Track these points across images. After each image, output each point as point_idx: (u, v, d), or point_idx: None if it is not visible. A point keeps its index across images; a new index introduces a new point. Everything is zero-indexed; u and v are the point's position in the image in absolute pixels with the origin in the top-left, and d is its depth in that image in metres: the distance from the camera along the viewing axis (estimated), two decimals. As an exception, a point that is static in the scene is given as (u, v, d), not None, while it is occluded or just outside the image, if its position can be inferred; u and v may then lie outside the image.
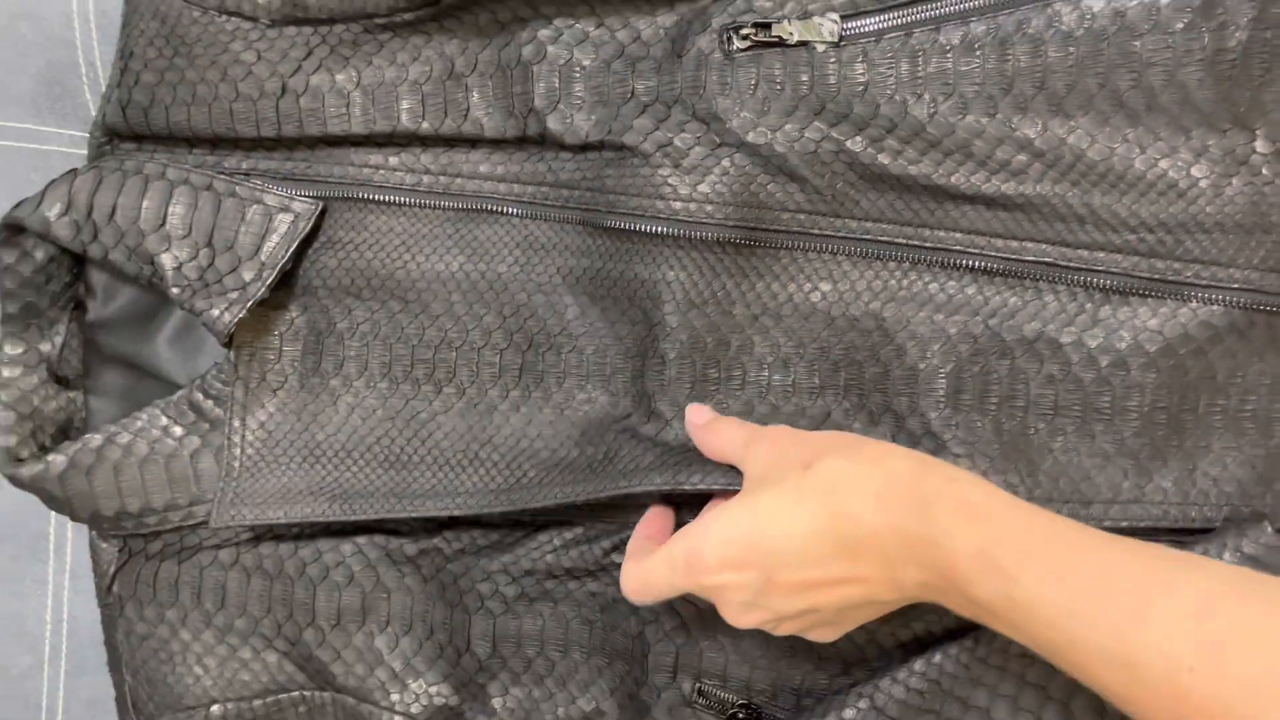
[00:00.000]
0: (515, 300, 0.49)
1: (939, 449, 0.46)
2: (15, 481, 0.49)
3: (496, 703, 0.50)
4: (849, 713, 0.44)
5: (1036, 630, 0.36)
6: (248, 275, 0.47)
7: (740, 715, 0.48)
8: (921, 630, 0.46)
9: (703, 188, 0.45)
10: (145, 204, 0.47)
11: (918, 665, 0.44)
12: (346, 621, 0.50)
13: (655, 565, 0.42)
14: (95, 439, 0.49)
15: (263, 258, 0.47)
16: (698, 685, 0.48)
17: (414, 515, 0.48)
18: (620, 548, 0.49)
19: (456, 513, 0.47)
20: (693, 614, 0.48)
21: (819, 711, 0.45)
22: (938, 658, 0.44)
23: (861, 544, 0.39)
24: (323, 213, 0.49)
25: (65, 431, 0.51)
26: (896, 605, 0.41)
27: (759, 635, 0.48)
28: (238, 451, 0.49)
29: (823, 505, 0.39)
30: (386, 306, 0.49)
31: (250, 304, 0.47)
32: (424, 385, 0.49)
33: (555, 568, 0.49)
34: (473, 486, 0.48)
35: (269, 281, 0.47)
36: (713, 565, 0.40)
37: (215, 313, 0.47)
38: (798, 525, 0.39)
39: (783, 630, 0.42)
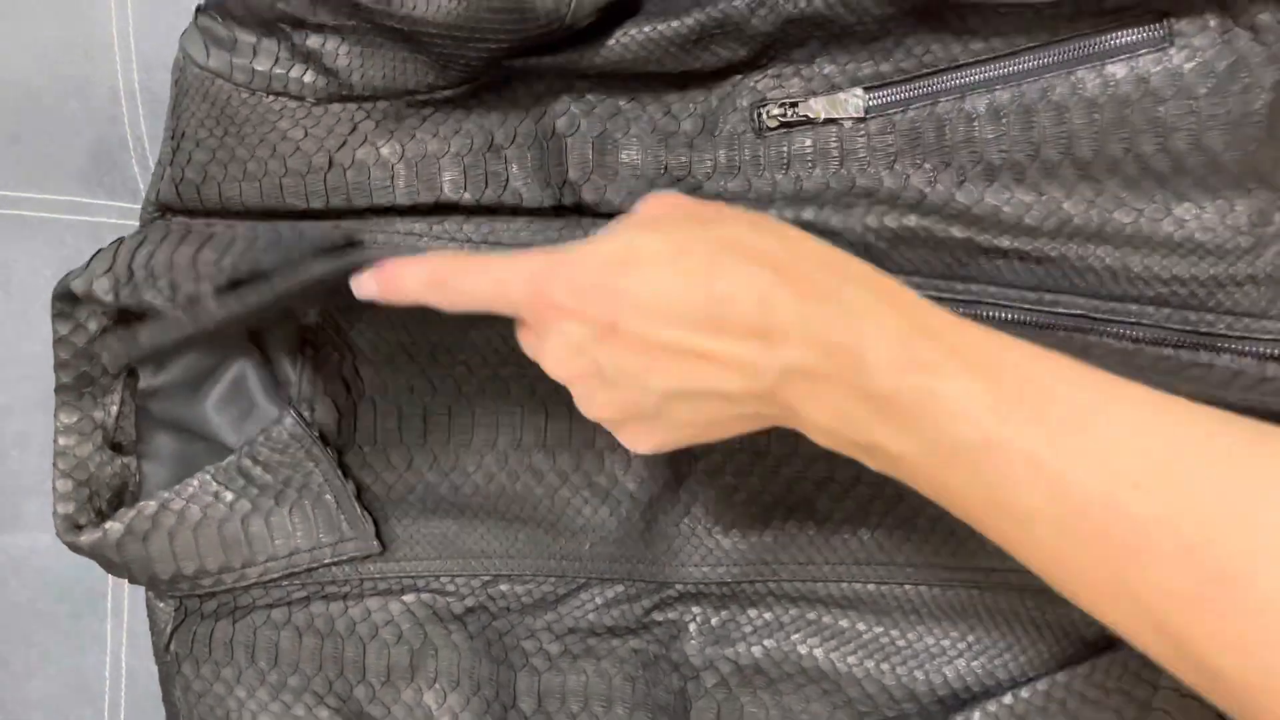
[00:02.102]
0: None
1: None
2: (75, 549, 0.50)
3: None
4: None
5: (950, 430, 0.30)
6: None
7: None
8: (958, 683, 0.47)
9: None
10: (181, 248, 0.48)
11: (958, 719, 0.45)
12: (396, 678, 0.51)
13: (496, 264, 0.36)
14: (150, 506, 0.50)
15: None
16: None
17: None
18: (661, 606, 0.50)
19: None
20: (732, 669, 0.49)
21: None
22: (976, 714, 0.45)
23: (735, 316, 0.33)
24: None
25: (120, 496, 0.53)
26: (736, 413, 0.35)
27: (802, 691, 0.49)
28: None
29: (707, 262, 0.33)
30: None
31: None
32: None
33: (597, 625, 0.51)
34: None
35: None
36: (557, 289, 0.34)
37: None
38: (669, 276, 0.33)
39: (594, 407, 0.36)
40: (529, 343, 0.38)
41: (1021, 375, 0.31)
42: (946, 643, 0.48)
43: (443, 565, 0.52)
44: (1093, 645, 0.47)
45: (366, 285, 0.41)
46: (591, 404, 0.36)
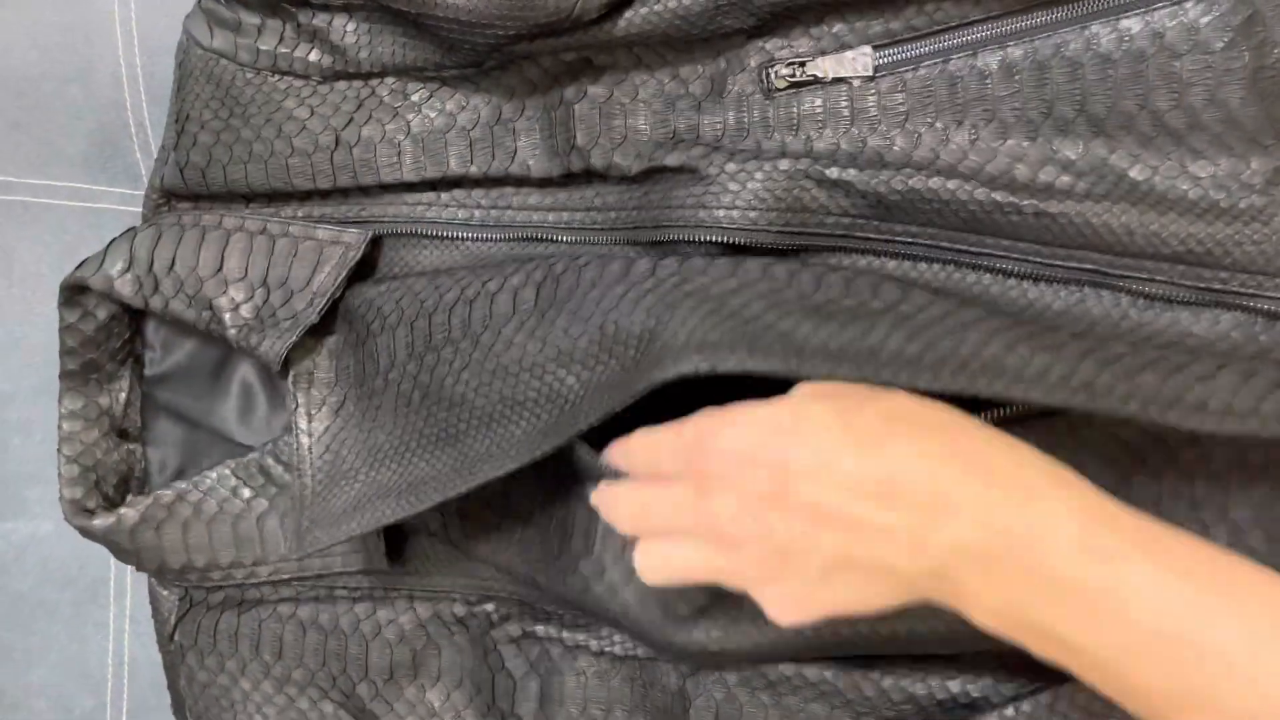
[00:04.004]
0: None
1: None
2: (86, 533, 0.50)
3: None
4: None
5: (1143, 622, 0.30)
6: (299, 305, 0.48)
7: None
8: (959, 691, 0.46)
9: (745, 195, 0.45)
10: (203, 253, 0.48)
11: None
12: (399, 676, 0.51)
13: (661, 433, 0.36)
14: (167, 495, 0.50)
15: (314, 287, 0.48)
16: None
17: (476, 485, 0.44)
18: None
19: (513, 468, 0.44)
20: (732, 669, 0.49)
21: None
22: None
23: (905, 487, 0.32)
24: (374, 241, 0.50)
25: (126, 482, 0.52)
26: (895, 586, 0.34)
27: (800, 692, 0.48)
28: (308, 480, 0.48)
29: (878, 432, 0.33)
30: (410, 288, 0.48)
31: (301, 330, 0.48)
32: (442, 349, 0.47)
33: (595, 633, 0.50)
34: (522, 434, 0.45)
35: (320, 308, 0.48)
36: (724, 448, 0.34)
37: (268, 344, 0.48)
38: (840, 444, 0.33)
39: (748, 573, 0.35)
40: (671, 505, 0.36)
41: (1212, 568, 0.30)
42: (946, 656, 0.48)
43: (453, 582, 0.51)
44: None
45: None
46: (744, 567, 0.35)
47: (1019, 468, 0.32)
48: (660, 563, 0.37)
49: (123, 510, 0.50)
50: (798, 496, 0.33)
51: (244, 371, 0.54)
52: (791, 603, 0.35)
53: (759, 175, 0.45)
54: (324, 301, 0.48)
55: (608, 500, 0.38)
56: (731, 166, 0.45)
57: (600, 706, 0.50)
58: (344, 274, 0.48)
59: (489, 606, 0.51)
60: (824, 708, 0.48)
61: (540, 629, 0.51)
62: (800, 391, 0.36)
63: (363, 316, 0.49)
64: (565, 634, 0.51)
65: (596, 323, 0.43)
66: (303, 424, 0.49)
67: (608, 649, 0.50)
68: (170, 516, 0.49)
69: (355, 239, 0.49)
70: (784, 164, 0.45)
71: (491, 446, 0.45)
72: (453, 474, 0.45)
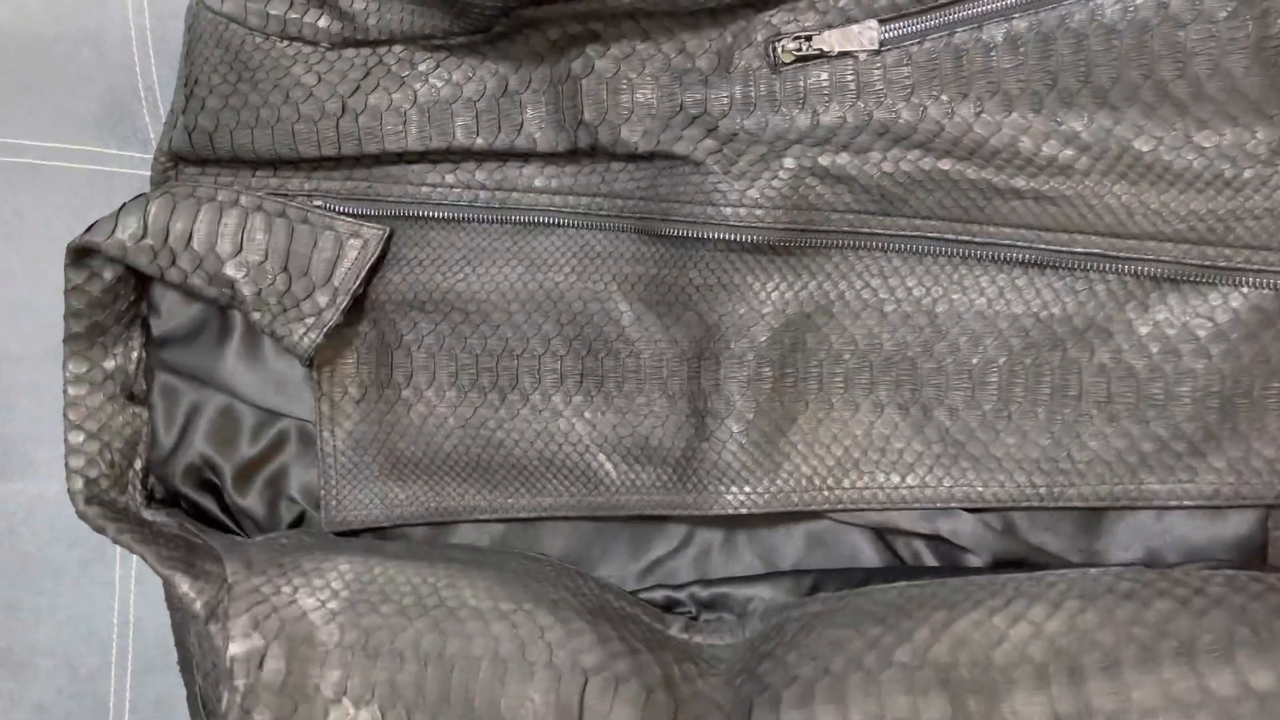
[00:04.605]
0: (572, 309, 0.50)
1: (994, 439, 0.47)
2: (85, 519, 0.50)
3: None
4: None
5: None
6: (322, 300, 0.49)
7: None
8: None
9: (752, 192, 0.46)
10: (221, 230, 0.49)
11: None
12: None
13: None
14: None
15: (335, 283, 0.49)
16: None
17: (503, 518, 0.50)
18: None
19: (543, 515, 0.50)
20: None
21: None
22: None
23: None
24: (390, 236, 0.51)
25: (134, 446, 0.53)
26: None
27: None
28: (331, 460, 0.52)
29: None
30: (449, 318, 0.51)
31: (326, 328, 0.49)
32: (489, 393, 0.51)
33: None
34: (555, 490, 0.51)
35: (343, 307, 0.49)
36: None
37: (295, 337, 0.49)
38: None
39: None
40: None
41: None
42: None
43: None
44: None
45: None
46: None
47: None
48: None
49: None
50: None
51: (247, 330, 0.54)
52: None
53: (765, 174, 0.46)
54: (346, 300, 0.49)
55: None
56: (740, 165, 0.46)
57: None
58: (363, 271, 0.49)
59: None
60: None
61: None
62: None
63: (394, 323, 0.51)
64: None
65: (644, 432, 0.50)
66: (326, 410, 0.52)
67: None
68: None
69: (373, 235, 0.50)
70: (789, 162, 0.45)
71: (520, 490, 0.52)
72: (479, 501, 0.52)
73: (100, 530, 0.49)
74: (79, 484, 0.49)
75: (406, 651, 0.43)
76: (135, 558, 0.60)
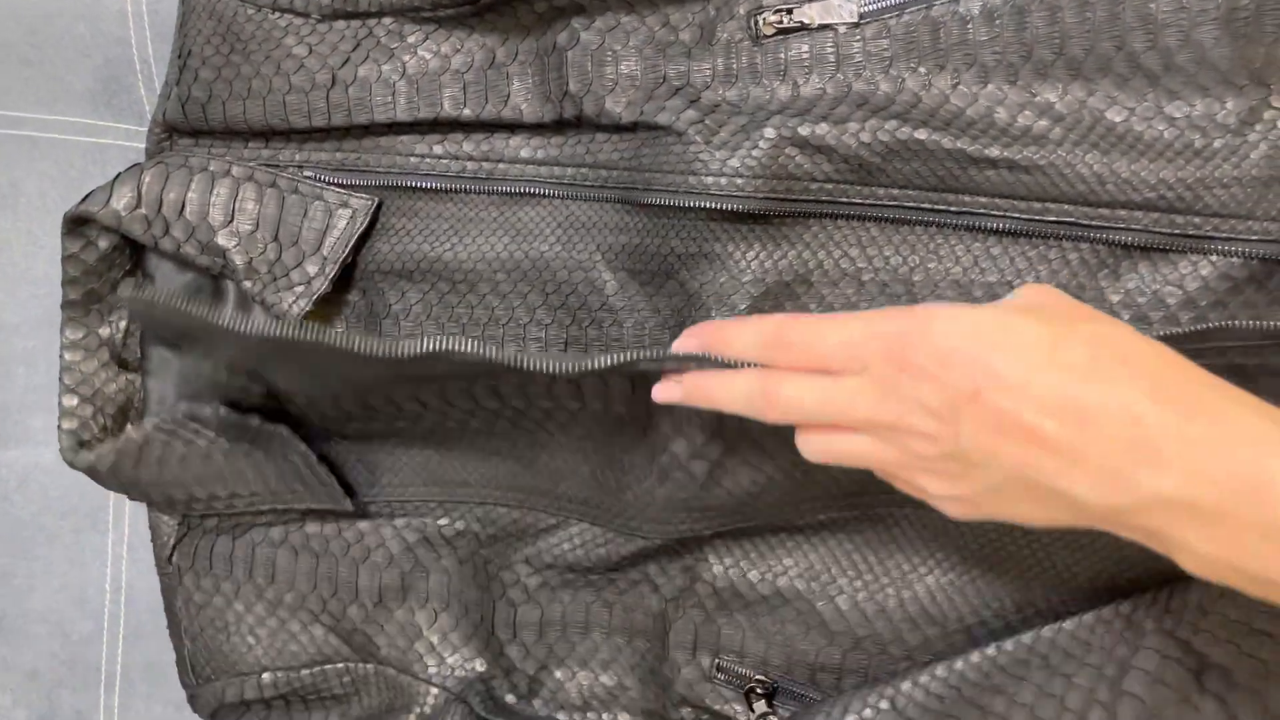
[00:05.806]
0: (557, 278, 0.51)
1: None
2: (73, 466, 0.51)
3: (521, 680, 0.52)
4: (868, 713, 0.45)
5: None
6: (312, 270, 0.50)
7: (757, 690, 0.50)
8: (927, 600, 0.48)
9: (733, 162, 0.46)
10: (213, 200, 0.49)
11: (939, 671, 0.45)
12: (388, 599, 0.52)
13: (854, 321, 0.36)
14: (135, 437, 0.51)
15: (325, 253, 0.50)
16: (716, 660, 0.51)
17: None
18: (644, 559, 0.51)
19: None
20: (709, 592, 0.50)
21: (839, 706, 0.46)
22: (959, 664, 0.45)
23: (1104, 419, 0.31)
24: (378, 207, 0.51)
25: (125, 412, 0.53)
26: (1073, 514, 0.33)
27: (777, 613, 0.50)
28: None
29: (1085, 360, 0.32)
30: (436, 288, 0.52)
31: (316, 297, 0.50)
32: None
33: (576, 563, 0.52)
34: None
35: (331, 276, 0.50)
36: (921, 351, 0.34)
37: (285, 305, 0.50)
38: (1044, 364, 0.32)
39: (920, 467, 0.35)
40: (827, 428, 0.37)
41: None
42: (916, 559, 0.49)
43: (426, 491, 0.52)
44: (1065, 581, 0.48)
45: (670, 390, 0.40)
46: (918, 461, 0.35)
47: (1236, 414, 0.31)
48: (824, 446, 0.37)
49: (101, 448, 0.50)
50: (992, 404, 0.32)
51: (239, 298, 0.55)
52: (961, 504, 0.35)
53: (746, 144, 0.46)
54: (335, 269, 0.50)
55: (771, 387, 0.37)
56: (721, 135, 0.46)
57: (578, 630, 0.52)
58: (352, 241, 0.50)
59: (475, 522, 0.53)
60: (800, 628, 0.50)
61: (519, 556, 0.52)
62: (1012, 302, 0.36)
63: (382, 293, 0.52)
64: (545, 568, 0.52)
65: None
66: None
67: (586, 580, 0.52)
68: (142, 458, 0.51)
69: (362, 205, 0.50)
70: (769, 132, 0.46)
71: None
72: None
73: (93, 471, 0.50)
74: (71, 442, 0.50)
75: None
76: (127, 525, 0.61)
